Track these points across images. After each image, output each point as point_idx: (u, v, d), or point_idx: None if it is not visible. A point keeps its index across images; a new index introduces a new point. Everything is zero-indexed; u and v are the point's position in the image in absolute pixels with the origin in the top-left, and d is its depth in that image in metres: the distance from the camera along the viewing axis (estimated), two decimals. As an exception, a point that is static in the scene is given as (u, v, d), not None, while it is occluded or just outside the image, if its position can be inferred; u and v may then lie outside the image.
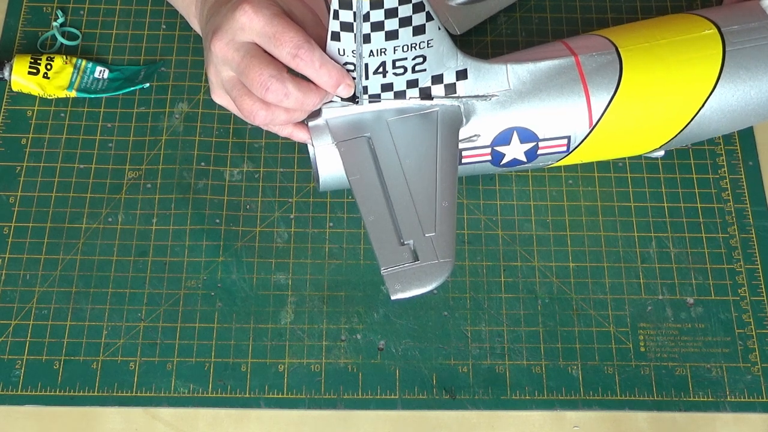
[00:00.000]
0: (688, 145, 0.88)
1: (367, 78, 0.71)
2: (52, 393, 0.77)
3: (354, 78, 0.71)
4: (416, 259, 0.68)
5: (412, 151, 0.72)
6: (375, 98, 0.73)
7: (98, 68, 0.90)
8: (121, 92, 0.89)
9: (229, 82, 0.71)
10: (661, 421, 0.77)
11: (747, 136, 0.89)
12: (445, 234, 0.69)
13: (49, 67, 0.88)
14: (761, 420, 0.78)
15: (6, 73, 0.88)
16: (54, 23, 0.92)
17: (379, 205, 0.70)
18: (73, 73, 0.89)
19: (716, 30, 0.78)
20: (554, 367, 0.79)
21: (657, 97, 0.77)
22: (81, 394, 0.77)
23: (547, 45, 0.81)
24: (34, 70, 0.88)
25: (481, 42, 0.93)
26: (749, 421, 0.77)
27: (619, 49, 0.77)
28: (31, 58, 0.88)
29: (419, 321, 0.80)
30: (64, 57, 0.89)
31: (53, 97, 0.89)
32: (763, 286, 0.82)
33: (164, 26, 0.93)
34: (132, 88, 0.89)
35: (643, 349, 0.80)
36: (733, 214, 0.85)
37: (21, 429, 0.76)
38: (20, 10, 0.94)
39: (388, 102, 0.73)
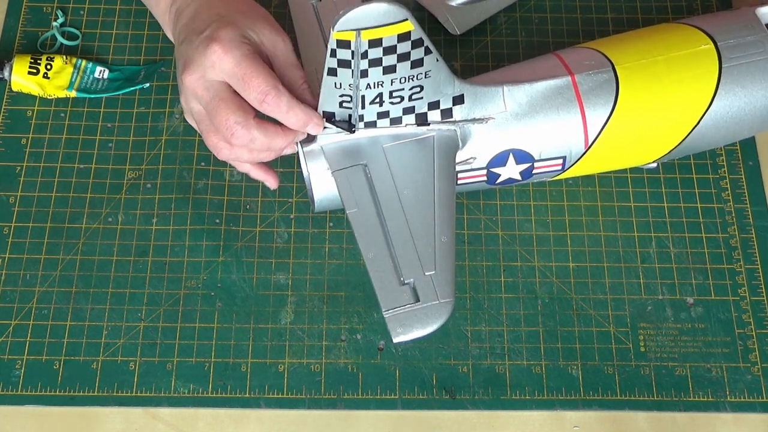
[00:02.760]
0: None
1: (363, 107, 0.70)
2: (52, 393, 0.77)
3: (345, 112, 0.70)
4: (417, 299, 0.67)
5: (410, 180, 0.72)
6: (371, 125, 0.73)
7: (98, 68, 0.90)
8: (121, 92, 0.89)
9: (198, 114, 0.72)
10: (661, 421, 0.77)
11: (747, 136, 0.89)
12: (445, 272, 0.68)
13: (49, 67, 0.88)
14: (761, 420, 0.78)
15: (6, 73, 0.88)
16: (54, 23, 0.92)
17: (378, 241, 0.70)
18: (73, 73, 0.89)
19: (713, 45, 0.78)
20: (554, 367, 0.79)
21: (653, 116, 0.77)
22: (81, 394, 0.77)
23: (541, 59, 0.80)
24: (34, 70, 0.88)
25: (481, 42, 0.93)
26: (749, 421, 0.77)
27: (616, 67, 0.77)
28: (31, 58, 0.88)
29: (419, 321, 0.80)
30: (64, 57, 0.89)
31: (53, 97, 0.89)
32: (763, 286, 0.82)
33: (164, 26, 0.93)
34: (132, 88, 0.89)
35: (643, 349, 0.80)
36: (733, 214, 0.85)
37: (21, 429, 0.76)
38: (20, 10, 0.94)
39: (384, 129, 0.73)
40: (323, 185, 0.74)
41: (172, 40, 0.79)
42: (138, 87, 0.90)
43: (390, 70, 0.67)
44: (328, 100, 0.70)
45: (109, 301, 0.80)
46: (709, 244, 0.84)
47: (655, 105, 0.77)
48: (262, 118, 0.70)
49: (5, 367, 0.78)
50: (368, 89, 0.68)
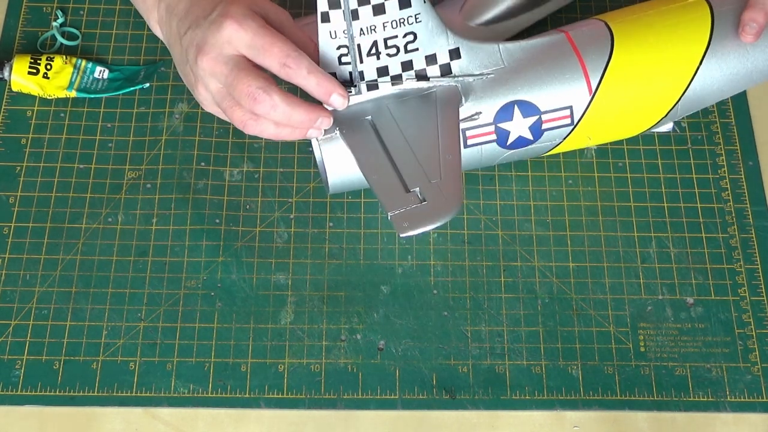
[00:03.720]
0: (690, 140, 0.88)
1: (361, 62, 0.71)
2: (52, 393, 0.77)
3: (345, 70, 0.71)
4: (423, 201, 0.68)
5: (413, 123, 0.73)
6: (372, 84, 0.73)
7: (98, 68, 0.90)
8: (121, 92, 0.89)
9: (218, 94, 0.72)
10: (661, 421, 0.77)
11: (747, 135, 0.89)
12: (452, 179, 0.69)
13: (49, 67, 0.88)
14: (761, 420, 0.78)
15: (6, 73, 0.88)
16: (54, 23, 0.92)
17: (382, 165, 0.71)
18: (73, 73, 0.89)
19: None
20: (554, 367, 0.79)
21: (652, 59, 0.78)
22: (81, 394, 0.77)
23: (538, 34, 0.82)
24: (34, 70, 0.88)
25: (481, 42, 0.93)
26: (749, 421, 0.77)
27: (609, 23, 0.79)
28: (31, 58, 0.88)
29: (419, 321, 0.80)
30: (64, 57, 0.89)
31: (53, 97, 0.89)
32: (763, 286, 0.82)
33: (164, 26, 0.93)
34: (132, 88, 0.89)
35: (643, 349, 0.80)
36: (733, 214, 0.85)
37: (21, 429, 0.76)
38: (20, 10, 0.94)
39: (386, 88, 0.74)
40: (336, 162, 0.75)
41: (158, 34, 0.80)
42: (138, 87, 0.90)
43: (379, 9, 0.69)
44: (327, 57, 0.71)
45: (109, 301, 0.80)
46: (709, 244, 0.84)
47: (653, 48, 0.78)
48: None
49: (5, 367, 0.78)
50: (362, 35, 0.70)
